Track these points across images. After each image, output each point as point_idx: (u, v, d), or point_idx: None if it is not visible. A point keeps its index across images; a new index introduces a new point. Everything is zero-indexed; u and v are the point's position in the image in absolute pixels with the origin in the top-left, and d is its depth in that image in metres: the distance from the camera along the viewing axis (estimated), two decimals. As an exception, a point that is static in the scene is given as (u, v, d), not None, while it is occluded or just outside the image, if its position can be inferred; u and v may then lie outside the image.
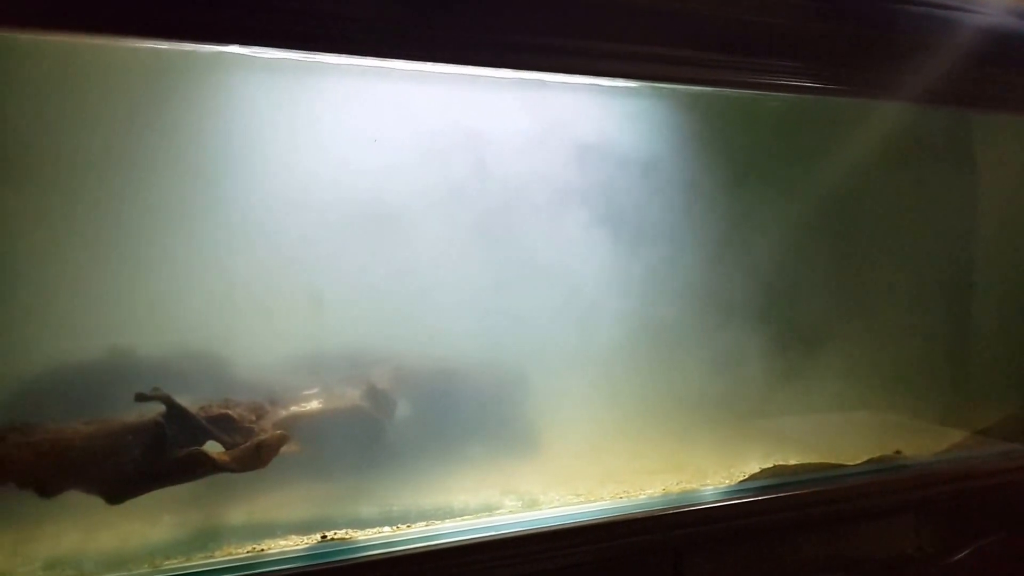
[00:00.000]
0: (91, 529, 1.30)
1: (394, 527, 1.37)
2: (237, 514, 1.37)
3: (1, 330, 1.30)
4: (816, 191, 1.96)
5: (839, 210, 2.01)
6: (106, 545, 1.29)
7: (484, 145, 1.60)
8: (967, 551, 1.74)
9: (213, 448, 1.31)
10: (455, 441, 1.56)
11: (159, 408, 1.29)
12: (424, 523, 1.39)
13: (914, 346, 2.09)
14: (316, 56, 1.36)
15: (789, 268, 1.93)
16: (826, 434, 1.90)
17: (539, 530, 1.38)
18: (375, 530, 1.35)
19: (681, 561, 1.48)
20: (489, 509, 1.48)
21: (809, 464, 1.69)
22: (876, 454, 1.76)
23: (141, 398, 1.27)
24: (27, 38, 1.24)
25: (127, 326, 1.36)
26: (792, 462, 1.69)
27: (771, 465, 1.67)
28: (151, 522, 1.33)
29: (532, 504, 1.51)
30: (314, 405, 1.45)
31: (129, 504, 1.26)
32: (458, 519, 1.42)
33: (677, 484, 1.60)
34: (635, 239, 1.74)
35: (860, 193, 2.03)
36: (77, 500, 1.23)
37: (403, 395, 1.53)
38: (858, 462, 1.73)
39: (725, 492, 1.58)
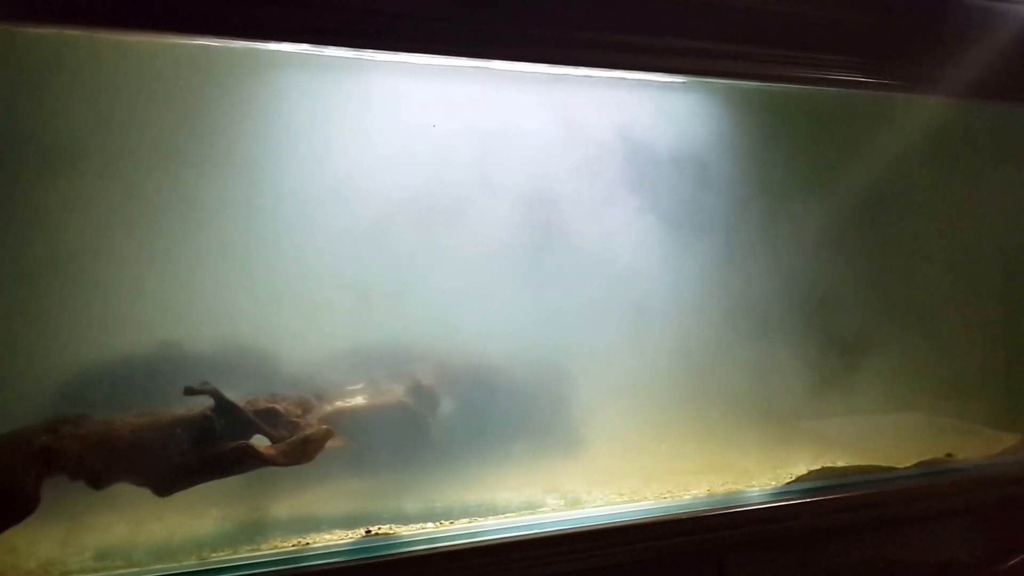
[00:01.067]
0: (140, 521, 1.32)
1: (437, 523, 1.38)
2: (283, 508, 1.39)
3: (54, 324, 1.33)
4: (866, 189, 1.92)
5: (889, 208, 1.97)
6: (154, 537, 1.31)
7: (530, 141, 1.60)
8: (1020, 557, 1.70)
9: (260, 442, 1.32)
10: (498, 438, 1.56)
11: (207, 402, 1.30)
12: (467, 520, 1.40)
13: (966, 347, 2.04)
14: (364, 53, 1.38)
15: (838, 268, 1.89)
16: (875, 436, 1.86)
17: (582, 529, 1.37)
18: (419, 526, 1.36)
19: (725, 563, 1.46)
20: (532, 507, 1.48)
21: (858, 467, 1.66)
22: (926, 457, 1.72)
23: (190, 392, 1.28)
24: (80, 35, 1.26)
25: (177, 321, 1.38)
26: (840, 464, 1.67)
27: (819, 467, 1.64)
28: (198, 515, 1.35)
29: (575, 503, 1.50)
30: (359, 401, 1.46)
31: (177, 497, 1.27)
32: (501, 516, 1.42)
33: (722, 485, 1.59)
34: (682, 238, 1.73)
35: (911, 191, 1.99)
36: (127, 492, 1.24)
37: (447, 392, 1.53)
38: (908, 465, 1.70)
39: (771, 494, 1.56)
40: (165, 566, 1.23)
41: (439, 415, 1.52)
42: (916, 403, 1.96)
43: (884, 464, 1.68)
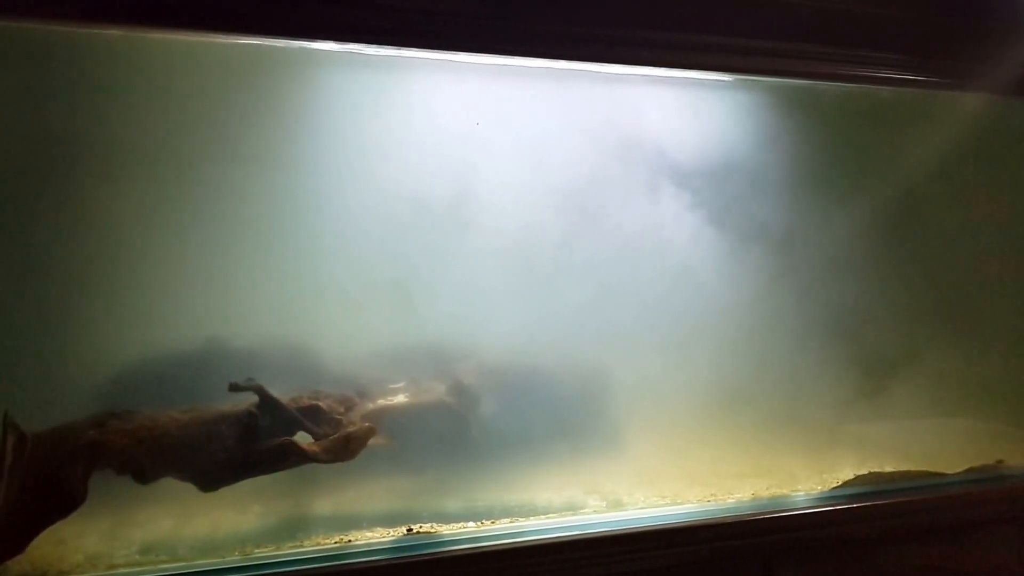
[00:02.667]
0: (185, 516, 1.33)
1: (478, 523, 1.37)
2: (325, 505, 1.39)
3: (103, 321, 1.35)
4: (912, 190, 1.88)
5: (936, 210, 1.93)
6: (199, 532, 1.32)
7: (572, 140, 1.59)
8: (1072, 567, 1.66)
9: (303, 439, 1.33)
10: (539, 438, 1.55)
11: (252, 398, 1.31)
12: (508, 520, 1.39)
13: (1017, 352, 1.99)
14: (409, 52, 1.39)
15: (886, 270, 1.86)
16: (924, 441, 1.82)
17: (623, 531, 1.36)
18: (460, 525, 1.36)
19: (770, 568, 1.44)
20: (573, 508, 1.47)
21: (906, 472, 1.63)
22: (976, 463, 1.69)
23: (235, 388, 1.29)
24: (126, 36, 1.28)
25: (222, 318, 1.39)
26: (888, 469, 1.64)
27: (866, 472, 1.62)
28: (242, 510, 1.36)
29: (616, 504, 1.49)
30: (401, 399, 1.46)
31: (221, 492, 1.27)
32: (542, 517, 1.41)
33: (767, 489, 1.56)
34: (728, 240, 1.71)
35: (960, 192, 1.95)
36: (172, 487, 1.25)
37: (488, 391, 1.52)
38: (957, 471, 1.66)
39: (817, 499, 1.53)
40: (209, 561, 1.24)
41: (480, 414, 1.51)
42: (966, 408, 1.91)
43: (933, 470, 1.65)
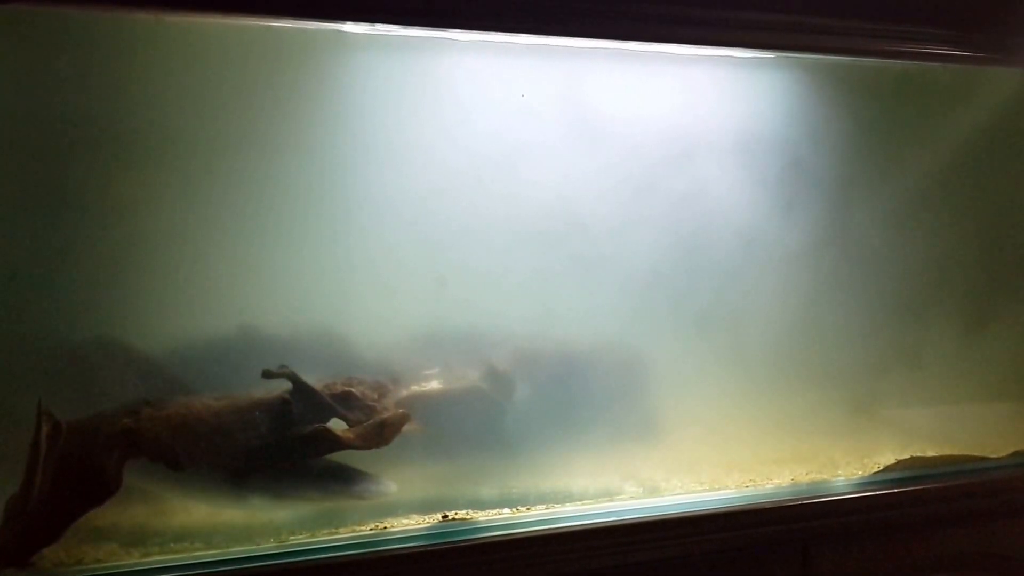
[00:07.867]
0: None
1: (514, 509, 1.36)
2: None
3: (136, 309, 1.34)
4: (960, 169, 1.84)
5: (988, 189, 1.89)
6: (233, 519, 1.31)
7: (612, 122, 1.56)
8: (1121, 554, 1.63)
9: (337, 426, 1.32)
10: (575, 424, 1.54)
11: (285, 385, 1.30)
12: (544, 506, 1.38)
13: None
14: (443, 33, 1.37)
15: (931, 251, 1.82)
16: (968, 425, 1.79)
17: (661, 517, 1.34)
18: (495, 511, 1.34)
19: (810, 555, 1.42)
20: (609, 494, 1.45)
21: (949, 456, 1.61)
22: (1022, 447, 1.66)
23: (268, 375, 1.28)
24: (151, 19, 1.27)
25: (255, 305, 1.38)
26: (930, 453, 1.62)
27: (908, 456, 1.59)
28: (277, 497, 1.36)
29: (653, 491, 1.48)
30: (434, 385, 1.45)
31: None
32: (578, 503, 1.40)
33: (806, 474, 1.55)
34: (769, 221, 1.67)
35: (1011, 171, 1.90)
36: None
37: (523, 377, 1.50)
38: (1002, 455, 1.64)
39: (858, 484, 1.51)
40: (244, 548, 1.23)
41: (515, 400, 1.50)
42: (1012, 391, 1.88)
43: (977, 454, 1.63)
